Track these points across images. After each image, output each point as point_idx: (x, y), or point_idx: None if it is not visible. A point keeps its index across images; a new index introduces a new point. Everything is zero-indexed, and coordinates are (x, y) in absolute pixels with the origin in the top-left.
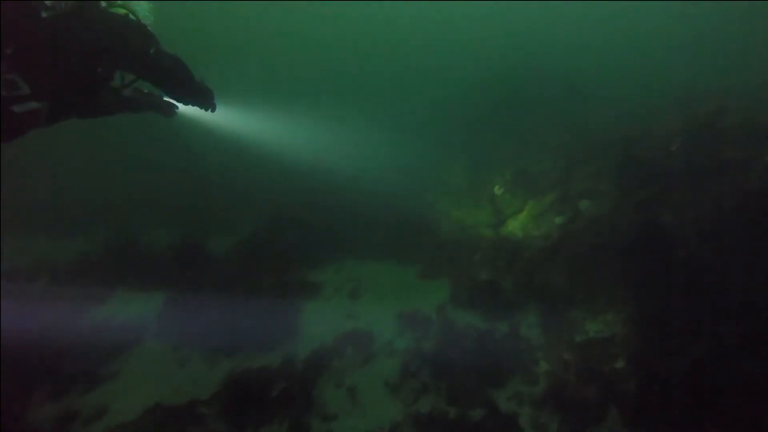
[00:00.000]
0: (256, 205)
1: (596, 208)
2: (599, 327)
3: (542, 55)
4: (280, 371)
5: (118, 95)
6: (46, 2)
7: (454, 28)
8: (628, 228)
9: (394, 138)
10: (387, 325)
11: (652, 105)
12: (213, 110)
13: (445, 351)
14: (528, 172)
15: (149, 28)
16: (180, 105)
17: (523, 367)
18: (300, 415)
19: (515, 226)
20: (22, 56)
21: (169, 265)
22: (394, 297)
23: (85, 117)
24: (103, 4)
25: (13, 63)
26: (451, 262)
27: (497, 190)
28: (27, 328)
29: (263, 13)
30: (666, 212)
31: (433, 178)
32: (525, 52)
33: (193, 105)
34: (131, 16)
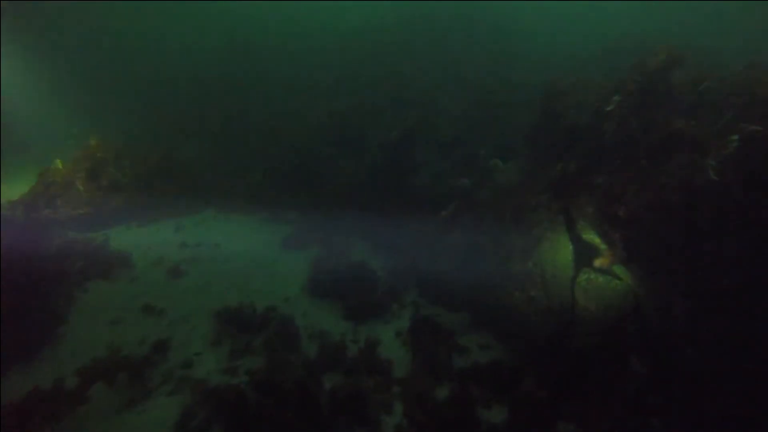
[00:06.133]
0: None
1: (508, 173)
2: (482, 347)
3: None
4: None
5: None
6: None
7: None
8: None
9: None
10: (198, 329)
11: (588, 52)
12: None
13: (261, 387)
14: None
15: None
16: None
17: (366, 416)
18: None
19: None
20: None
21: None
22: (233, 276)
23: None
24: None
25: None
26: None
27: None
28: None
29: None
30: (588, 201)
31: None
32: None
33: None
34: None
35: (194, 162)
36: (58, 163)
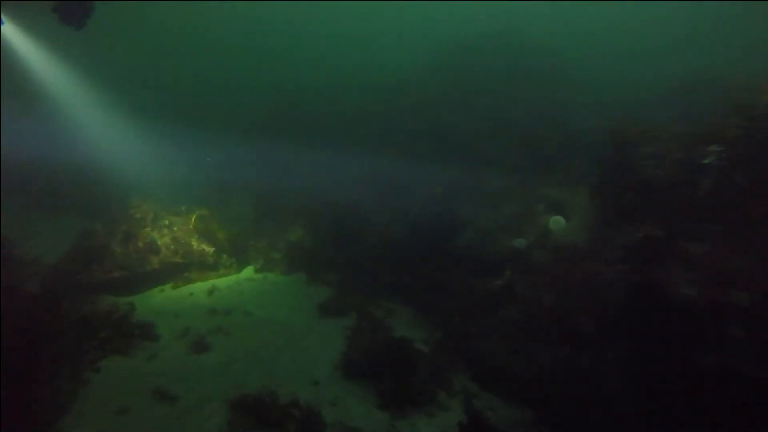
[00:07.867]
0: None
1: (571, 232)
2: None
3: (524, 27)
4: None
5: None
6: None
7: None
8: (614, 293)
9: None
10: (212, 420)
11: (652, 93)
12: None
13: None
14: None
15: None
16: None
17: None
18: None
19: None
20: None
21: None
22: (260, 351)
23: None
24: None
25: None
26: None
27: None
28: None
29: None
30: (681, 279)
31: None
32: (503, 22)
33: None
34: None
35: (235, 219)
36: (98, 226)
